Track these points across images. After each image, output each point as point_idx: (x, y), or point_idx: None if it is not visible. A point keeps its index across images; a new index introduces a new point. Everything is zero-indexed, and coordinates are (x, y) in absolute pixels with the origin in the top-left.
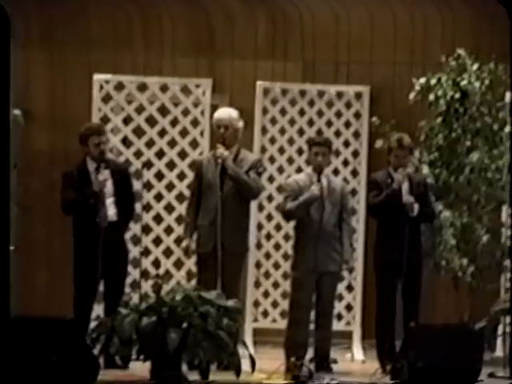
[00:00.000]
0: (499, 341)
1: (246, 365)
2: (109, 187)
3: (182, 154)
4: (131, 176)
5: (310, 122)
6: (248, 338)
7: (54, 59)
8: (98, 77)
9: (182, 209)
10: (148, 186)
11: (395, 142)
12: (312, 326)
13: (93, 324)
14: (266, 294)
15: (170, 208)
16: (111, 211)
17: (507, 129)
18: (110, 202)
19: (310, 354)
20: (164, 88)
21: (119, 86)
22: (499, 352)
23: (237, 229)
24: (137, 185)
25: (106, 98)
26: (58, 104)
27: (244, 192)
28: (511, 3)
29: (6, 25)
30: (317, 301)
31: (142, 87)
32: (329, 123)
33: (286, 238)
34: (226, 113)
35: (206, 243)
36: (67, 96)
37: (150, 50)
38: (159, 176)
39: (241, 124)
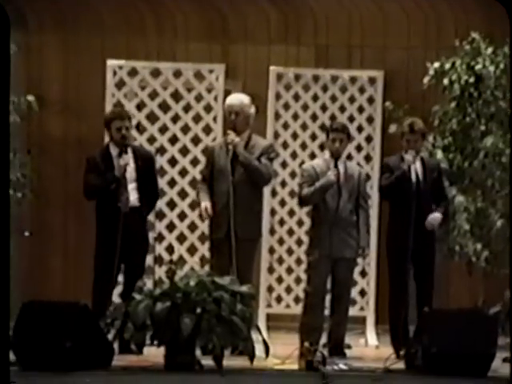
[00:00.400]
0: None
1: (259, 350)
2: (131, 173)
3: (195, 140)
4: (155, 162)
5: (324, 108)
6: (262, 323)
7: (68, 45)
8: (111, 62)
9: (194, 194)
10: (161, 171)
11: (407, 126)
12: (327, 312)
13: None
14: (280, 280)
15: (183, 194)
16: (133, 196)
17: None
18: (132, 187)
19: (324, 339)
20: (177, 73)
21: (132, 72)
22: None
23: (249, 215)
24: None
25: (120, 84)
26: (71, 90)
27: (255, 178)
28: (511, 3)
29: (6, 25)
30: (332, 286)
31: (156, 73)
32: (342, 108)
33: (300, 223)
34: (238, 99)
35: (218, 229)
36: (81, 82)
37: (163, 36)
38: (172, 162)
39: (252, 110)
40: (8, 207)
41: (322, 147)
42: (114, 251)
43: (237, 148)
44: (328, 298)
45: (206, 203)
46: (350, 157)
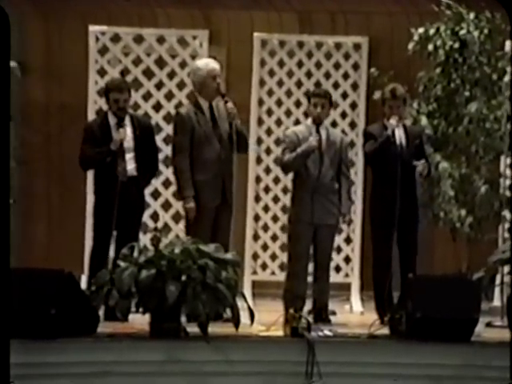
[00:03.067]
0: (497, 291)
1: (244, 317)
2: (129, 142)
3: (180, 107)
4: (154, 131)
5: (309, 74)
6: (247, 290)
7: (49, 11)
8: (93, 28)
9: (175, 178)
10: None
11: (388, 92)
12: (310, 279)
13: None
14: (265, 247)
15: (168, 161)
16: (130, 166)
17: (506, 78)
18: (129, 157)
19: (308, 305)
20: (161, 40)
21: (115, 38)
22: (497, 302)
23: (234, 182)
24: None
25: (103, 50)
26: (53, 56)
27: (243, 146)
28: (511, 3)
29: (6, 24)
30: (314, 253)
31: (139, 39)
32: (327, 75)
33: (285, 190)
34: (216, 63)
35: (211, 198)
36: (63, 48)
37: (142, 2)
38: (157, 129)
39: None
40: (8, 173)
41: (306, 114)
42: (110, 219)
43: (236, 118)
44: (311, 265)
45: (191, 205)
46: (334, 123)
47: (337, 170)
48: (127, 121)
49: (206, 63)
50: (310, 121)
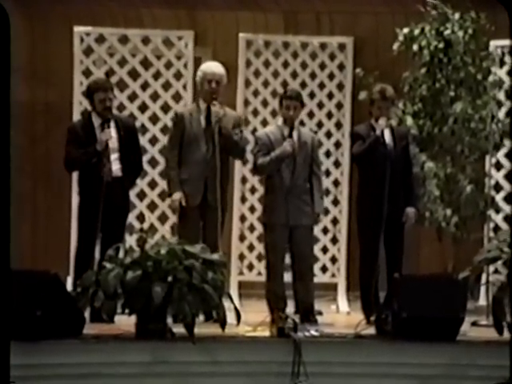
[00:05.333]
0: (482, 290)
1: (231, 318)
2: (114, 143)
3: (165, 108)
4: (138, 132)
5: (294, 74)
6: (233, 291)
7: (33, 12)
8: (78, 29)
9: (165, 178)
10: None
11: (378, 93)
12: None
13: None
14: (251, 248)
15: (153, 162)
16: (115, 167)
17: (491, 78)
18: (114, 157)
19: (292, 306)
20: (146, 40)
21: (100, 39)
22: (482, 301)
23: (222, 184)
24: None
25: (88, 51)
26: (38, 57)
27: (232, 151)
28: (511, 3)
29: (6, 24)
30: (293, 255)
31: (124, 40)
32: (313, 75)
33: None
34: (219, 67)
35: (193, 197)
36: (48, 49)
37: (127, 2)
38: (142, 130)
39: (226, 79)
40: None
41: (274, 114)
42: (95, 221)
43: (221, 122)
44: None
45: (179, 195)
46: (320, 124)
47: (308, 170)
48: (112, 122)
49: (207, 66)
50: (280, 121)
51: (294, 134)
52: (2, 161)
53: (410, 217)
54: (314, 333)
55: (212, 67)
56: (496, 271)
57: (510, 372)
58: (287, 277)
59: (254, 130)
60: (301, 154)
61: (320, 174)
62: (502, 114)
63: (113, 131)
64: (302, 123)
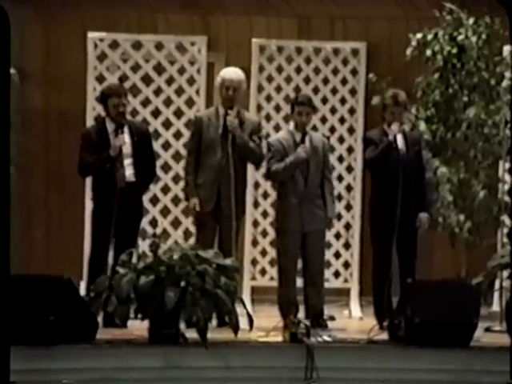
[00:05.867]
0: (496, 296)
1: (243, 323)
2: (127, 148)
3: (178, 113)
4: (152, 137)
5: (307, 80)
6: (246, 296)
7: (48, 18)
8: (92, 35)
9: (178, 168)
10: None
11: (390, 98)
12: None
13: None
14: (264, 253)
15: (166, 167)
16: (129, 172)
17: (504, 83)
18: (128, 162)
19: (302, 311)
20: (159, 46)
21: (114, 45)
22: (496, 307)
23: (237, 190)
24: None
25: (101, 57)
26: (52, 63)
27: (249, 158)
28: (511, 3)
29: (6, 24)
30: (306, 260)
31: (137, 45)
32: (325, 80)
33: None
34: (237, 74)
35: (207, 202)
36: (61, 55)
37: (143, 7)
38: (155, 135)
39: (245, 85)
40: (8, 181)
41: (286, 119)
42: (109, 226)
43: (235, 131)
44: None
45: (195, 200)
46: (332, 129)
47: (321, 175)
48: (126, 127)
49: (226, 72)
50: (292, 126)
51: (306, 140)
52: (1, 161)
53: (423, 222)
54: (326, 338)
55: (230, 73)
56: (510, 277)
57: (510, 373)
58: (298, 282)
59: (267, 136)
60: (313, 159)
61: (331, 177)
62: None
63: (126, 137)
64: (314, 128)
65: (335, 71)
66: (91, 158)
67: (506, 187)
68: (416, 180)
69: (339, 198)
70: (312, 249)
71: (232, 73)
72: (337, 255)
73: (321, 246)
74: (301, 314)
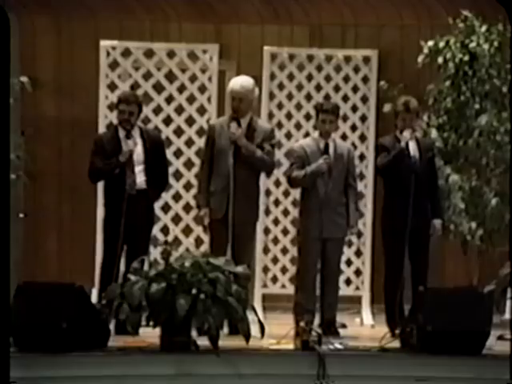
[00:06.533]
0: (508, 303)
1: (255, 330)
2: (139, 155)
3: (190, 121)
4: (164, 145)
5: (318, 87)
6: (257, 303)
7: (60, 25)
8: (104, 43)
9: (190, 176)
10: None
11: (402, 105)
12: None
13: None
14: (275, 260)
15: (178, 174)
16: (140, 179)
17: None
18: (139, 169)
19: (317, 318)
20: (171, 54)
21: (126, 53)
22: (508, 315)
23: (248, 198)
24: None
25: (113, 65)
26: (64, 71)
27: (258, 167)
28: (511, 3)
29: (6, 24)
30: (322, 267)
31: (149, 53)
32: (336, 88)
33: (294, 203)
34: (242, 85)
35: (217, 210)
36: (74, 62)
37: (155, 16)
38: (167, 143)
39: (256, 93)
40: (8, 192)
41: (315, 127)
42: (118, 233)
43: (238, 141)
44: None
45: (205, 210)
46: (344, 136)
47: (344, 182)
48: (137, 134)
49: (233, 83)
50: (317, 134)
51: (331, 147)
52: (2, 163)
53: (437, 228)
54: (338, 346)
55: (235, 85)
56: None
57: (510, 373)
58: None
59: (278, 143)
60: (336, 167)
61: (355, 186)
62: None
63: (139, 143)
64: (344, 137)
65: (346, 79)
66: (100, 163)
67: None
68: (428, 187)
69: None
70: (328, 256)
71: (238, 84)
72: (348, 263)
73: (338, 254)
74: (316, 321)
